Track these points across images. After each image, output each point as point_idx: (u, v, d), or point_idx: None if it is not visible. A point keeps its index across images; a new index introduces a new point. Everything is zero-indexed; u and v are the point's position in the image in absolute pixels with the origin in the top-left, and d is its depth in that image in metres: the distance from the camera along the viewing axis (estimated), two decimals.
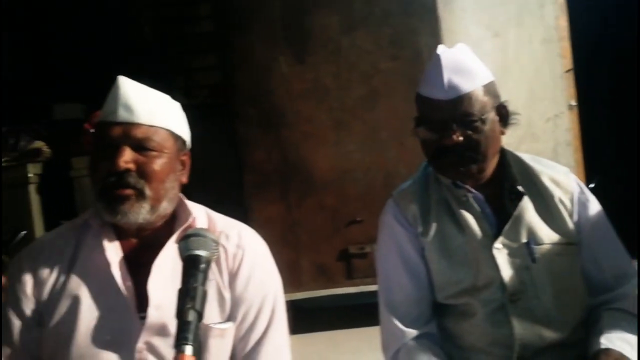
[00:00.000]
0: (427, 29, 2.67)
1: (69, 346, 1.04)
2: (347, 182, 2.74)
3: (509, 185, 1.25)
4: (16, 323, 1.06)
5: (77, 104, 3.01)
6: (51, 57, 3.23)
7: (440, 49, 1.23)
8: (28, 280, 1.08)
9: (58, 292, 1.08)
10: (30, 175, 2.64)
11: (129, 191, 1.07)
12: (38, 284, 1.08)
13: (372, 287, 1.43)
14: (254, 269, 1.16)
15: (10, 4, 3.13)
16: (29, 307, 1.07)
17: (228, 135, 2.86)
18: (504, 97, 1.27)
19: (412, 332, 1.22)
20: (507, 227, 1.22)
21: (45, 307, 1.07)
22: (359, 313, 2.65)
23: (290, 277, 2.55)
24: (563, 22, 2.89)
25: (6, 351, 1.05)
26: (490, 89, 1.21)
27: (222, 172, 3.02)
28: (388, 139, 2.71)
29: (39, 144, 2.72)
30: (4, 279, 0.77)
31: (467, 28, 2.81)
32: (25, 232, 0.80)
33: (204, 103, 3.12)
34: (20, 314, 1.07)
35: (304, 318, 2.80)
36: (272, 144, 2.74)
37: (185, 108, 1.22)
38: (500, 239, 1.22)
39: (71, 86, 3.05)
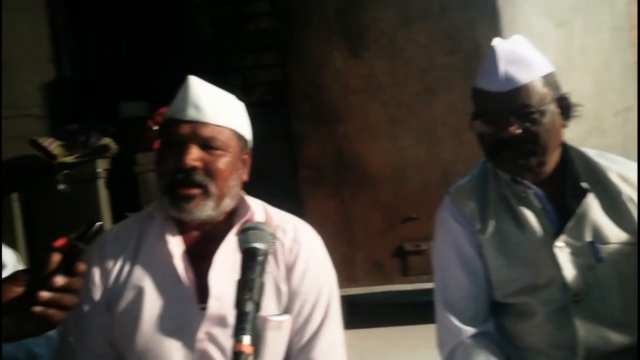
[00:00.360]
0: (486, 22, 2.59)
1: (135, 333, 1.10)
2: (403, 179, 2.71)
3: (571, 181, 1.20)
4: (87, 308, 1.12)
5: (141, 102, 3.14)
6: (117, 57, 3.39)
7: (497, 41, 1.21)
8: (97, 269, 1.15)
9: (123, 281, 1.14)
10: (99, 170, 2.78)
11: (195, 190, 1.11)
12: (105, 272, 1.14)
13: (428, 285, 1.41)
14: (310, 262, 1.18)
15: (78, 7, 3.30)
16: (98, 293, 1.13)
17: (285, 132, 2.89)
18: (568, 89, 1.22)
19: (469, 330, 1.20)
20: (569, 224, 1.17)
21: (112, 295, 1.13)
22: (414, 310, 2.61)
23: (345, 272, 2.56)
24: (634, 9, 2.72)
25: (82, 334, 1.12)
26: (549, 80, 1.17)
27: (278, 168, 3.06)
28: (445, 135, 2.65)
29: (106, 140, 2.86)
30: (83, 265, 0.84)
31: (529, 19, 2.70)
32: (101, 223, 0.85)
33: (261, 100, 3.17)
34: (91, 300, 1.13)
35: (359, 313, 2.79)
36: (326, 140, 2.75)
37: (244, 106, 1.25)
38: (562, 237, 1.17)
39: (136, 85, 3.19)
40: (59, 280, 0.79)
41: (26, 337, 0.81)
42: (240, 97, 1.25)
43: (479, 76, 1.21)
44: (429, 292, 1.36)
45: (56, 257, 0.82)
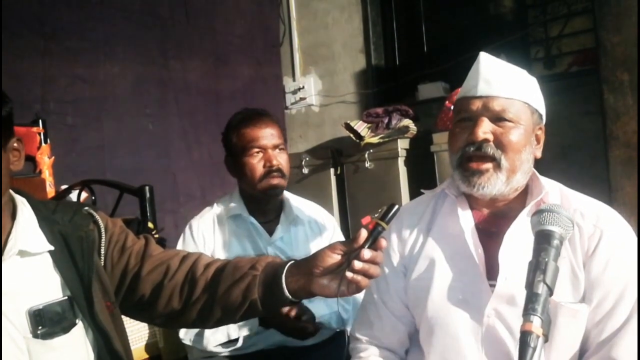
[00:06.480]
0: None
1: (426, 299, 1.18)
2: None
3: None
4: (388, 271, 1.26)
5: (438, 82, 3.24)
6: (419, 41, 3.57)
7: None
8: (395, 237, 1.27)
9: (418, 250, 1.23)
10: (399, 149, 3.02)
11: (486, 165, 1.12)
12: (402, 241, 1.26)
13: None
14: (615, 252, 1.06)
15: (387, 1, 3.59)
16: (395, 259, 1.26)
17: (592, 106, 2.58)
18: None
19: None
20: None
21: (408, 262, 1.24)
22: None
23: None
24: None
25: (383, 295, 1.26)
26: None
27: (583, 146, 2.76)
28: None
29: (406, 122, 3.06)
30: (384, 242, 0.96)
31: None
32: (398, 206, 0.97)
33: (565, 73, 2.88)
34: (390, 264, 1.26)
35: None
36: None
37: (545, 79, 1.19)
38: None
39: (435, 67, 3.31)
40: (367, 253, 0.94)
41: (338, 296, 0.96)
42: (541, 71, 1.20)
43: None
44: None
45: (364, 234, 0.96)
